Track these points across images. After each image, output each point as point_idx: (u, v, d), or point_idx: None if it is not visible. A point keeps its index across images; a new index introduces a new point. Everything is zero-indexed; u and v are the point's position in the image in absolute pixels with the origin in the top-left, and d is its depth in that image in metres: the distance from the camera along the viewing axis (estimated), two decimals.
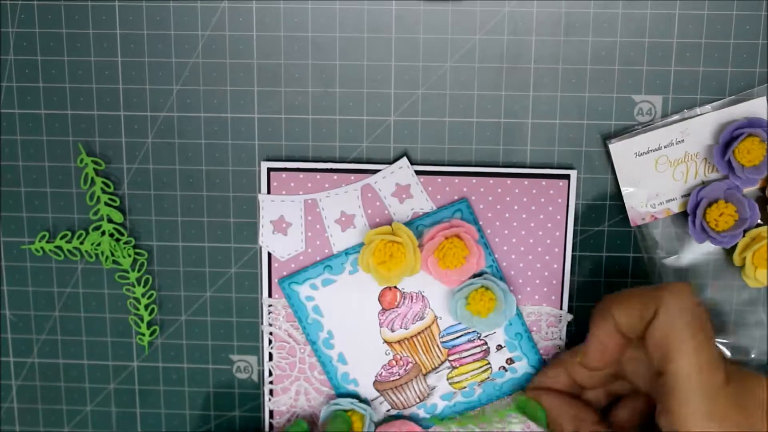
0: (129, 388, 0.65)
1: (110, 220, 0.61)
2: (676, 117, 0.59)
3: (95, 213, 0.61)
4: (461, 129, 0.59)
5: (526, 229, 0.60)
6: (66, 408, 0.65)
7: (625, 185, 0.59)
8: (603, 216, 0.60)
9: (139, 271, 0.62)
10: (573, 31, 0.58)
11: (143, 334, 0.63)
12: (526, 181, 0.59)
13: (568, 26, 0.58)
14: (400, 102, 0.59)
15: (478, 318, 0.59)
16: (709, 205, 0.58)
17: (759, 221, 0.59)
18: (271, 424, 0.64)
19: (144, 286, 0.63)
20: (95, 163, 0.60)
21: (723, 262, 0.61)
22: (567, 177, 0.59)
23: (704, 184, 0.59)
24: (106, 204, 0.61)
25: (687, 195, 0.59)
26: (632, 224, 0.60)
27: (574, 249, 0.61)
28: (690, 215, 0.59)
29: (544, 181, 0.59)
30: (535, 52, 0.58)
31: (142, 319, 0.63)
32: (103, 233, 0.61)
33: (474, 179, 0.59)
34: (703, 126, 0.58)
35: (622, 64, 0.58)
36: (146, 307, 0.63)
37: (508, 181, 0.59)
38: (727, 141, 0.57)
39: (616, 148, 0.59)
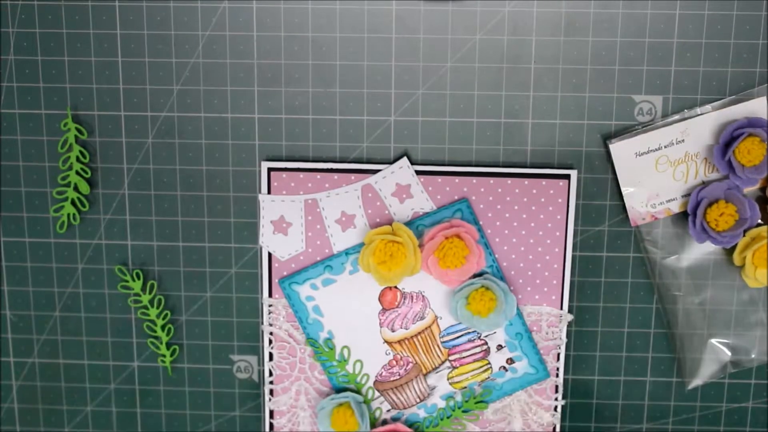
0: (129, 388, 0.65)
1: (76, 189, 0.61)
2: (676, 117, 0.59)
3: (64, 179, 0.61)
4: (461, 129, 0.59)
5: (526, 229, 0.60)
6: (66, 408, 0.65)
7: (626, 185, 0.59)
8: (603, 216, 0.60)
9: (150, 292, 0.62)
10: (573, 31, 0.58)
11: (164, 356, 0.63)
12: (526, 181, 0.59)
13: (568, 26, 0.58)
14: (401, 102, 0.59)
15: (479, 318, 0.59)
16: (710, 205, 0.58)
17: (759, 221, 0.59)
18: (271, 424, 0.64)
19: (157, 307, 0.63)
20: (78, 131, 0.60)
21: (723, 262, 0.61)
22: (567, 177, 0.59)
23: (704, 184, 0.59)
24: (77, 173, 0.61)
25: (687, 195, 0.59)
26: (632, 224, 0.60)
27: (574, 249, 0.61)
28: (690, 215, 0.59)
29: (544, 181, 0.59)
30: (536, 52, 0.58)
31: (161, 341, 0.63)
32: (66, 199, 0.61)
33: (474, 179, 0.59)
34: (703, 126, 0.58)
35: (622, 64, 0.58)
36: (163, 327, 0.63)
37: (509, 181, 0.59)
38: (727, 141, 0.57)
39: (616, 148, 0.59)
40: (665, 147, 0.59)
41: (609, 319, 0.62)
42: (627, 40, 0.58)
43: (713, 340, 0.62)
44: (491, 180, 0.59)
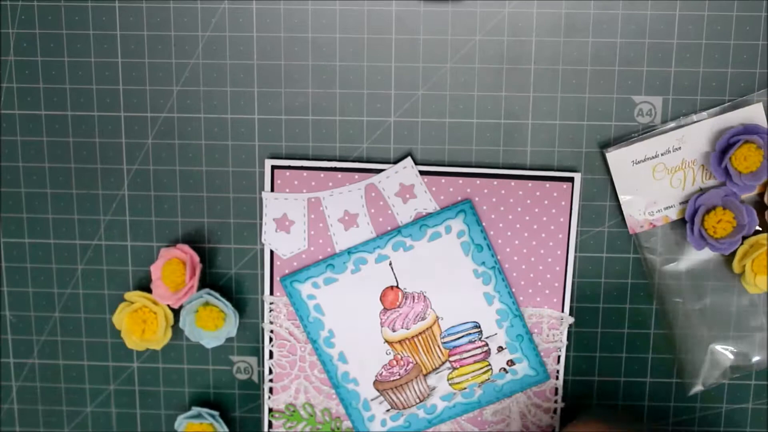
0: (129, 389, 0.65)
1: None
2: (672, 124, 0.59)
3: None
4: (461, 130, 0.60)
5: (529, 231, 0.60)
6: (66, 409, 0.65)
7: (623, 193, 0.59)
8: (603, 217, 0.60)
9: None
10: (573, 32, 0.58)
11: None
12: (529, 183, 0.59)
13: (568, 27, 0.58)
14: (401, 103, 0.59)
15: (208, 332, 0.61)
16: (707, 212, 0.58)
17: (758, 227, 0.59)
18: (270, 422, 0.64)
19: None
20: None
21: (722, 267, 0.61)
22: (571, 180, 0.59)
23: (702, 191, 0.59)
24: None
25: (685, 202, 0.59)
26: (630, 232, 0.60)
27: (575, 251, 0.61)
28: (688, 223, 0.59)
29: (547, 184, 0.59)
30: (535, 52, 0.58)
31: None
32: None
33: (477, 180, 0.59)
34: (699, 133, 0.58)
35: (622, 65, 0.58)
36: None
37: (512, 182, 0.59)
38: (723, 148, 0.57)
39: (613, 156, 0.59)
40: (662, 155, 0.59)
41: (609, 319, 0.62)
42: (627, 40, 0.58)
43: (714, 346, 0.62)
44: (494, 181, 0.59)
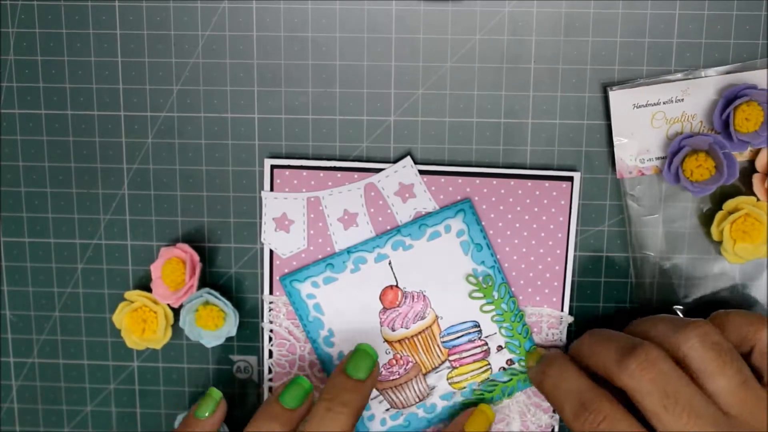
0: (129, 389, 0.65)
1: None
2: (679, 75, 0.58)
3: None
4: (461, 129, 0.60)
5: (528, 231, 0.60)
6: (66, 408, 0.65)
7: (619, 136, 0.59)
8: (603, 216, 0.60)
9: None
10: (573, 31, 0.58)
11: None
12: (529, 183, 0.59)
13: (568, 26, 0.58)
14: (400, 102, 0.59)
15: (207, 331, 0.61)
16: (689, 154, 0.58)
17: (740, 187, 0.59)
18: None
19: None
20: None
21: (701, 232, 0.60)
22: (570, 179, 0.59)
23: (691, 134, 0.58)
24: None
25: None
26: (618, 176, 0.59)
27: (574, 249, 0.61)
28: (668, 158, 0.58)
29: (547, 183, 0.59)
30: (535, 52, 0.58)
31: None
32: None
33: (477, 180, 0.59)
34: (704, 88, 0.58)
35: (622, 64, 0.58)
36: None
37: (512, 182, 0.59)
38: (730, 99, 0.57)
39: (615, 96, 0.58)
40: (664, 103, 0.58)
41: (609, 319, 0.62)
42: (627, 40, 0.58)
43: (675, 307, 0.61)
44: (494, 181, 0.59)
